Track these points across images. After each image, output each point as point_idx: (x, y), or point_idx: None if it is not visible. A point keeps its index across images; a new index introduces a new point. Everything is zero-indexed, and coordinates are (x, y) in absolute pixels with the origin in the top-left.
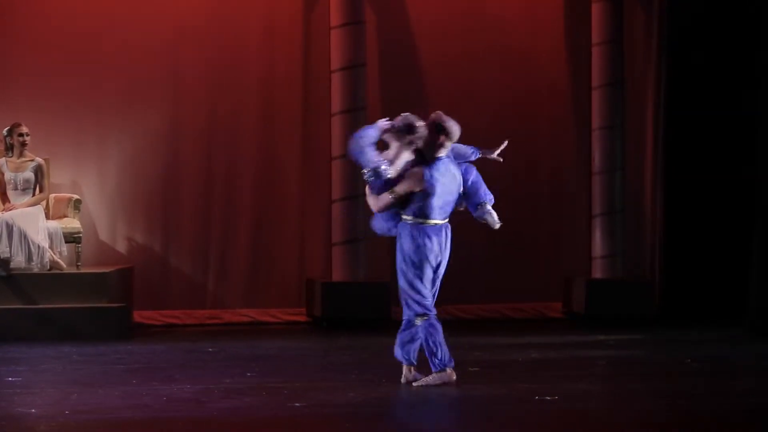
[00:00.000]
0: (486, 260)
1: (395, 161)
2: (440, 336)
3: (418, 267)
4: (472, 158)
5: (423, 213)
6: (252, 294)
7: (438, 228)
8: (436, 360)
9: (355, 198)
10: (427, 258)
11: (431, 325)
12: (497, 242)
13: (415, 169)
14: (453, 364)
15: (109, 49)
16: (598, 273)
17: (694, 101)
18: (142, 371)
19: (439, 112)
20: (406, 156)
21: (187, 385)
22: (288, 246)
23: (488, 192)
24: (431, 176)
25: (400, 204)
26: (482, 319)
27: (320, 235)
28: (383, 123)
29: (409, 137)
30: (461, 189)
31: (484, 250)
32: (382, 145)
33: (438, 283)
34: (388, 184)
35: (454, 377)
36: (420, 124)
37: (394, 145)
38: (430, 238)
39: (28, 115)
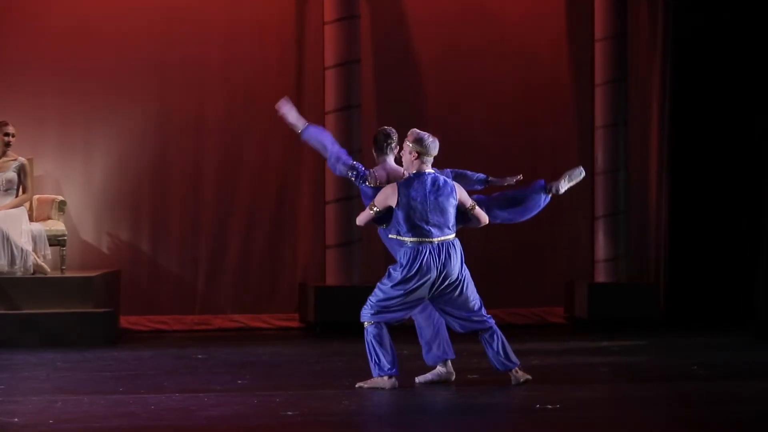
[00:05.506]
0: (485, 264)
1: (379, 171)
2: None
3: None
4: (477, 187)
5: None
6: (243, 299)
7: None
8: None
9: (349, 199)
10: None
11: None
12: (496, 246)
13: (387, 185)
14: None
15: (95, 46)
16: (601, 276)
17: (700, 98)
18: (129, 378)
19: (414, 129)
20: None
21: (176, 393)
22: (280, 249)
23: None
24: (406, 193)
25: (379, 221)
26: None
27: (313, 238)
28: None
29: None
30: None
31: (482, 255)
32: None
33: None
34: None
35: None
36: (394, 133)
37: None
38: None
39: (11, 113)
